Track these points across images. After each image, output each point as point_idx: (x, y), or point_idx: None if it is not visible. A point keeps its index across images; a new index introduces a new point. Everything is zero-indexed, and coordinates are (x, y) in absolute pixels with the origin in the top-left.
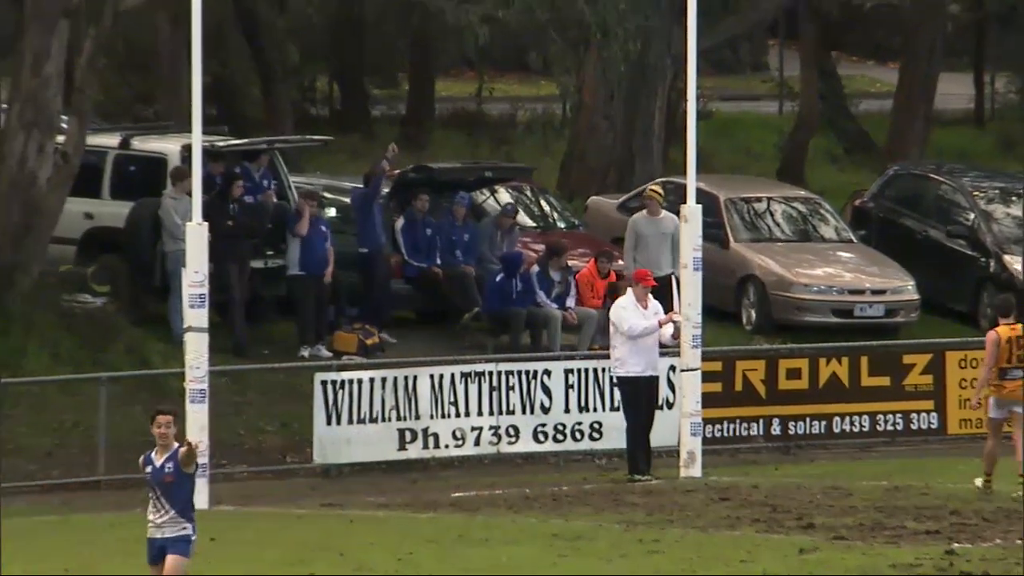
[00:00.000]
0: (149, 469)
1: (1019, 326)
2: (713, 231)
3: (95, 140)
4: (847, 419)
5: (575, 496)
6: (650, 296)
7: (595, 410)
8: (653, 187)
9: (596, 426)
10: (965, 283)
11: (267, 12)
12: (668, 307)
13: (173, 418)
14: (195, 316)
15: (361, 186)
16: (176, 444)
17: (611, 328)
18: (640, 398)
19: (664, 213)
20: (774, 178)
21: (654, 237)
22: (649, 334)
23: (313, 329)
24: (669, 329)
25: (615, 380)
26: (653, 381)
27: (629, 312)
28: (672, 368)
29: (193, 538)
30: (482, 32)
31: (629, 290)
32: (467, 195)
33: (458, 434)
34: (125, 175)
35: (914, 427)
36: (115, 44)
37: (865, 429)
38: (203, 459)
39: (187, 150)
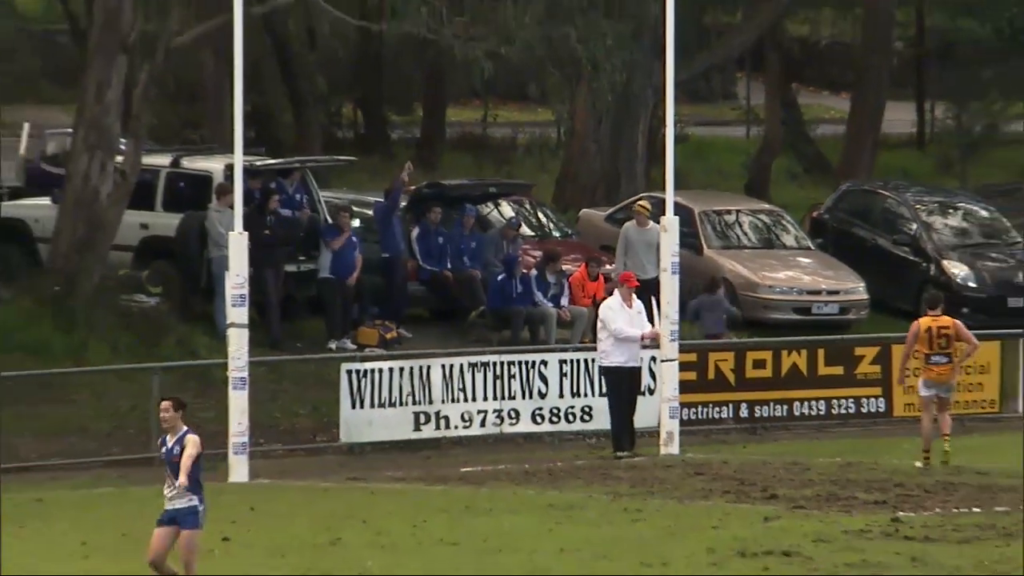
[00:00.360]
0: (163, 449)
1: (943, 318)
2: (689, 239)
3: (149, 160)
4: (806, 404)
5: (568, 471)
6: (634, 296)
7: (586, 395)
8: (642, 202)
9: (587, 409)
10: (909, 285)
11: (299, 49)
12: (651, 310)
13: (172, 404)
14: (237, 314)
15: (382, 200)
16: (184, 428)
17: (599, 324)
18: (622, 386)
19: (651, 224)
20: (742, 193)
21: (641, 245)
22: (632, 340)
23: (340, 325)
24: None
25: (601, 369)
26: (635, 371)
27: (616, 313)
28: (653, 359)
29: (200, 508)
30: (487, 66)
31: (616, 290)
32: (474, 208)
33: (466, 417)
34: (175, 190)
35: (864, 411)
36: (166, 77)
37: (821, 412)
38: (243, 438)
39: (229, 169)
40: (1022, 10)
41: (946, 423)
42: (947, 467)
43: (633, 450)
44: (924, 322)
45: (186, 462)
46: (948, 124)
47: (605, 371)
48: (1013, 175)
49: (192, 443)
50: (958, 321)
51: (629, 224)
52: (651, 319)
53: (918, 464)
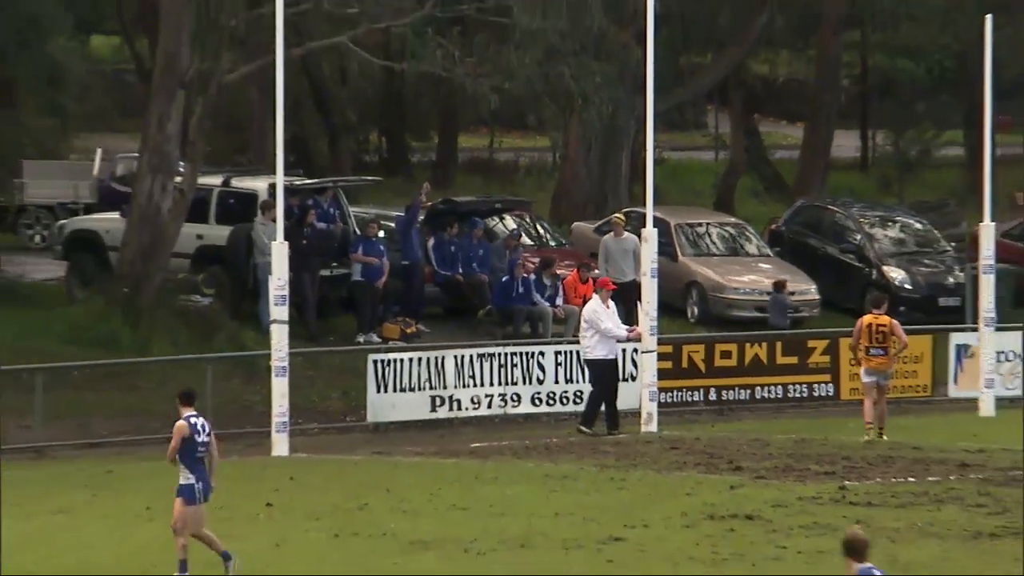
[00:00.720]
0: None
1: (883, 317)
2: (666, 248)
3: (204, 180)
4: (766, 388)
5: (562, 446)
6: (610, 299)
7: (577, 382)
8: (618, 215)
9: (578, 394)
10: (853, 287)
11: (332, 85)
12: (632, 309)
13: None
14: (278, 312)
15: (403, 214)
16: (183, 415)
17: (584, 323)
18: (604, 375)
19: (627, 234)
20: (711, 208)
21: (619, 252)
22: (619, 339)
23: (367, 321)
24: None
25: (585, 361)
26: (615, 362)
27: (602, 315)
28: (635, 350)
29: (197, 485)
30: (493, 100)
31: (595, 294)
32: (481, 221)
33: (475, 400)
34: (226, 206)
35: (815, 395)
36: (218, 109)
37: (779, 396)
38: (284, 419)
39: (272, 187)
40: (950, 53)
41: (881, 413)
42: (886, 442)
43: (617, 430)
44: (866, 319)
45: (170, 452)
46: (887, 150)
47: (589, 363)
48: (942, 193)
49: (174, 431)
50: (895, 320)
51: (608, 236)
52: (635, 317)
53: (864, 439)
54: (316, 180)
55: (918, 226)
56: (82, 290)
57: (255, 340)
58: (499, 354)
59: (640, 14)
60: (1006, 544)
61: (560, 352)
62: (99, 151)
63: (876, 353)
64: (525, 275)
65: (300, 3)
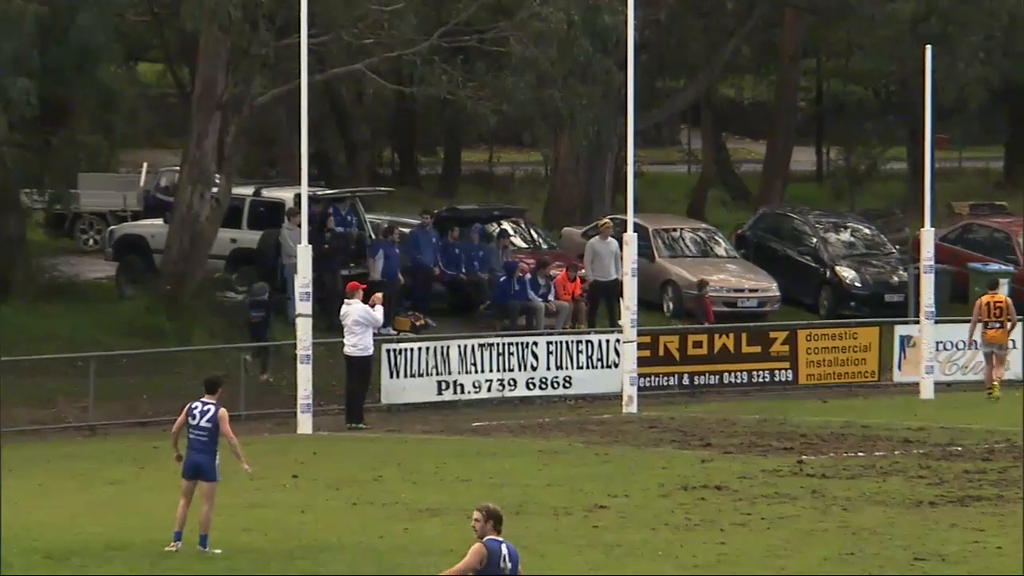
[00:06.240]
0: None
1: (999, 295)
2: (645, 250)
3: (237, 190)
4: (732, 374)
5: (553, 425)
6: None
7: (566, 368)
8: (604, 221)
9: (567, 379)
10: (810, 285)
11: (350, 107)
12: (615, 304)
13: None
14: (303, 307)
15: (417, 223)
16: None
17: (355, 323)
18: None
19: (610, 238)
20: (684, 215)
21: (605, 254)
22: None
23: (385, 315)
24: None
25: (359, 359)
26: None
27: (373, 313)
28: (618, 340)
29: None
30: (492, 119)
31: (355, 298)
32: (481, 227)
33: (476, 384)
34: (257, 213)
35: (776, 380)
36: (250, 127)
37: (744, 381)
38: (308, 401)
39: (298, 197)
40: (895, 79)
41: (1000, 373)
42: (840, 420)
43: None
44: (984, 298)
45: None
46: (839, 164)
47: (365, 360)
48: (888, 202)
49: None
50: (1008, 299)
51: (594, 238)
52: (618, 312)
53: (987, 395)
54: (336, 191)
55: (867, 231)
56: (130, 287)
57: (283, 331)
58: (497, 344)
59: (621, 43)
60: (943, 511)
61: (551, 342)
62: (145, 165)
63: (994, 327)
64: (521, 275)
65: (322, 35)
